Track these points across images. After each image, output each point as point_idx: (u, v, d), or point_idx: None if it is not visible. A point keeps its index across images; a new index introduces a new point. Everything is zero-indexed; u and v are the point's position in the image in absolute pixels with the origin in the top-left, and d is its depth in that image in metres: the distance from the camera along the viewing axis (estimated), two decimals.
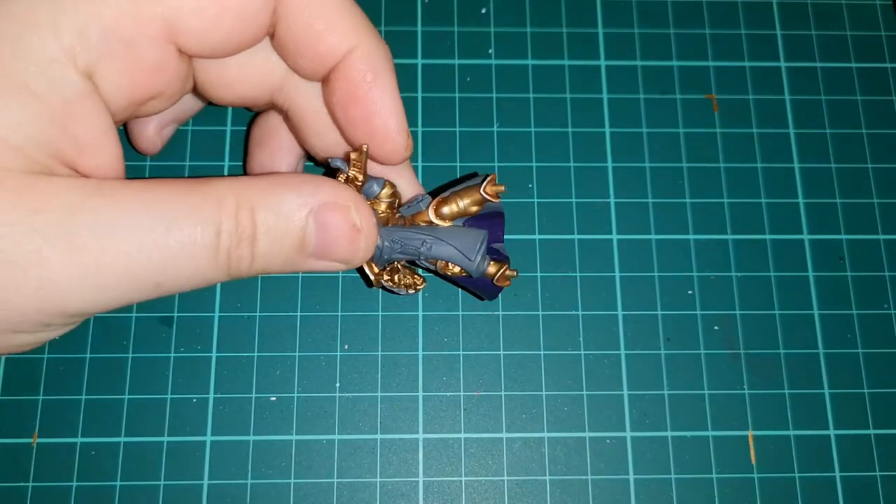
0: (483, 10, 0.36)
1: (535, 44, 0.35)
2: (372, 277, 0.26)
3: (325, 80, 0.26)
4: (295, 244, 0.24)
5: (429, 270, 0.28)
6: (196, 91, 0.26)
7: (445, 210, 0.27)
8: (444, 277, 0.28)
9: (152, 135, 0.30)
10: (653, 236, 0.33)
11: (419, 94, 0.34)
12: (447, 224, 0.27)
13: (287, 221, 0.23)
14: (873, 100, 0.35)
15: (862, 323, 0.32)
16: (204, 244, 0.22)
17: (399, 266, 0.28)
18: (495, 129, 0.34)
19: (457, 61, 0.35)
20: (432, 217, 0.27)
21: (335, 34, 0.24)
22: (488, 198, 0.27)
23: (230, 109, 0.34)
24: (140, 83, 0.23)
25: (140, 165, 0.33)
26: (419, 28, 0.35)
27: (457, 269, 0.27)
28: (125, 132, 0.31)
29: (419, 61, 0.35)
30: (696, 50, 0.35)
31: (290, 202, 0.23)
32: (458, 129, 0.34)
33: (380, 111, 0.25)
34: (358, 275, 0.32)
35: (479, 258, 0.26)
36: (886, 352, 0.32)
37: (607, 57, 0.35)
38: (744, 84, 0.35)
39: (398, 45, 0.35)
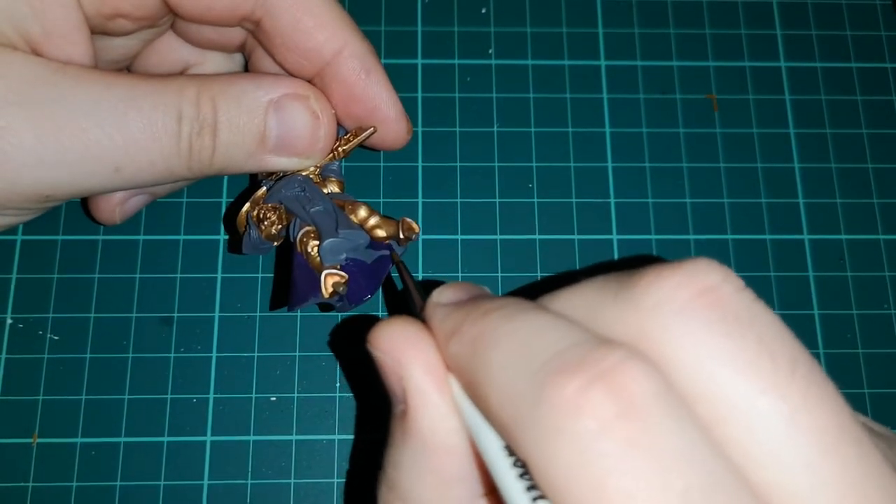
0: (483, 10, 0.36)
1: (535, 44, 0.35)
2: (259, 192, 0.27)
3: (317, 79, 0.26)
4: (256, 136, 0.24)
5: (285, 240, 0.27)
6: (170, 8, 0.25)
7: (361, 212, 0.26)
8: (288, 260, 0.27)
9: (114, 204, 0.27)
10: (653, 236, 0.33)
11: (419, 94, 0.34)
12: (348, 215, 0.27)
13: (248, 111, 0.23)
14: (873, 100, 0.35)
15: (862, 323, 0.32)
16: (165, 127, 0.22)
17: (280, 211, 0.27)
18: (495, 129, 0.34)
19: (457, 61, 0.35)
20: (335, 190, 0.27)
21: (324, 32, 0.25)
22: (401, 234, 0.26)
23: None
24: None
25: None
26: (419, 28, 0.35)
27: (310, 250, 0.26)
28: (83, 201, 0.30)
29: (419, 61, 0.35)
30: (696, 50, 0.35)
31: (251, 93, 0.24)
32: (458, 129, 0.34)
33: (379, 105, 0.26)
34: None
35: (330, 242, 0.25)
36: (886, 352, 0.32)
37: (607, 57, 0.35)
38: (744, 84, 0.35)
39: (398, 45, 0.35)
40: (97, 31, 0.24)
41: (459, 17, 0.35)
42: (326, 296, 0.25)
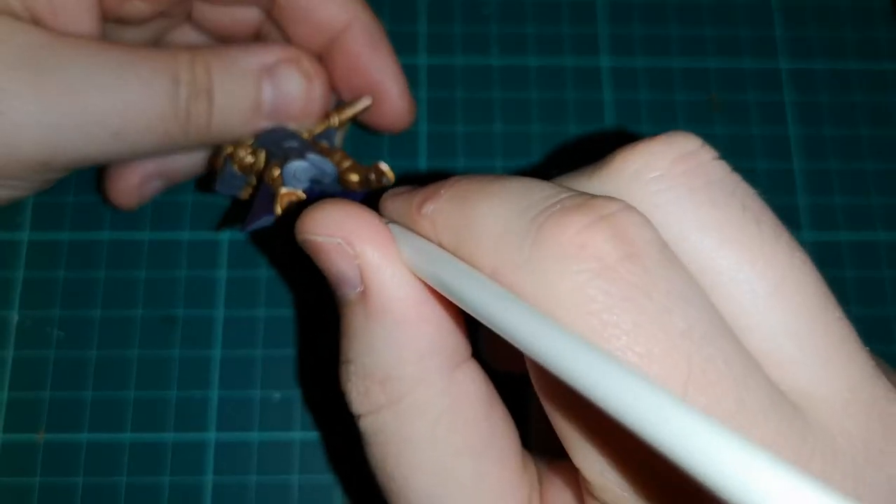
0: (484, 10, 0.36)
1: (535, 44, 0.35)
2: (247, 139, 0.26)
3: (324, 55, 0.26)
4: (252, 101, 0.24)
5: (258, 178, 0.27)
6: None
7: (337, 155, 0.26)
8: (254, 188, 0.27)
9: (133, 186, 0.27)
10: None
11: (419, 94, 0.34)
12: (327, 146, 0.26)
13: (242, 77, 0.24)
14: (873, 100, 0.35)
15: (862, 323, 0.32)
16: (163, 89, 0.22)
17: (263, 155, 0.26)
18: (495, 128, 0.34)
19: (458, 61, 0.35)
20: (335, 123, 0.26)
21: (334, 5, 0.25)
22: (372, 176, 0.25)
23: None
24: None
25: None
26: (420, 27, 0.35)
27: (275, 176, 0.25)
28: (100, 182, 0.30)
29: (420, 61, 0.35)
30: (696, 50, 0.35)
31: (244, 60, 0.24)
32: (458, 129, 0.34)
33: (382, 79, 0.26)
34: None
35: (292, 164, 0.24)
36: (886, 352, 0.32)
37: (607, 57, 0.35)
38: (744, 84, 0.35)
39: (400, 44, 0.35)
40: (111, 16, 0.24)
41: (461, 17, 0.36)
42: (279, 212, 0.24)
